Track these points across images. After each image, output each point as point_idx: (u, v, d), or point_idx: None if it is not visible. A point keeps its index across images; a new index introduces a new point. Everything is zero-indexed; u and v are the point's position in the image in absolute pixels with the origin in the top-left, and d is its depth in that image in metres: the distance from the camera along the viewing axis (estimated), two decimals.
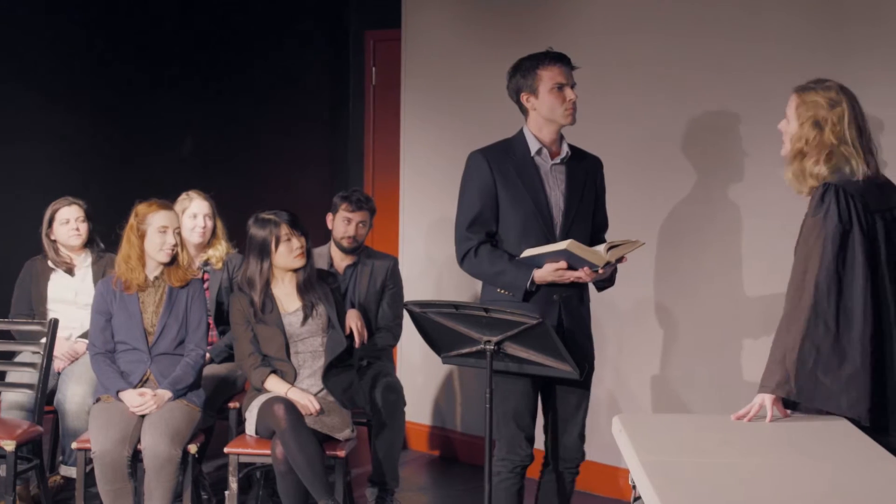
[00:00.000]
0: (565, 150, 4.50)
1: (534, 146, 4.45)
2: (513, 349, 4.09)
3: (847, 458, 3.17)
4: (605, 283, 4.53)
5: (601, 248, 4.28)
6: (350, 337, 5.32)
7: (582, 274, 4.31)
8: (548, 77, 4.40)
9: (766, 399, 3.56)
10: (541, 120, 4.44)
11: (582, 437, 4.58)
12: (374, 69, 7.81)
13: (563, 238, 4.38)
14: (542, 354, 4.07)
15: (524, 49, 4.56)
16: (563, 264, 4.30)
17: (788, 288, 3.66)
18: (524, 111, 4.49)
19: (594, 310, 4.61)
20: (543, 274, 4.32)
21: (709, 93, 5.54)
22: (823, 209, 3.62)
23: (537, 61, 4.43)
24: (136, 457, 4.93)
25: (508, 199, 4.41)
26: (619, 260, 4.38)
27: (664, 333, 5.79)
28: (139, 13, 7.47)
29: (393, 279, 5.85)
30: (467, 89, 6.58)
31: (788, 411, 3.61)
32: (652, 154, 5.76)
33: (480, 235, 4.43)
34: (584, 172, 4.53)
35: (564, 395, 4.51)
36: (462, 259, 4.47)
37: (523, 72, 4.44)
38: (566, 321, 4.42)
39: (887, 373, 3.66)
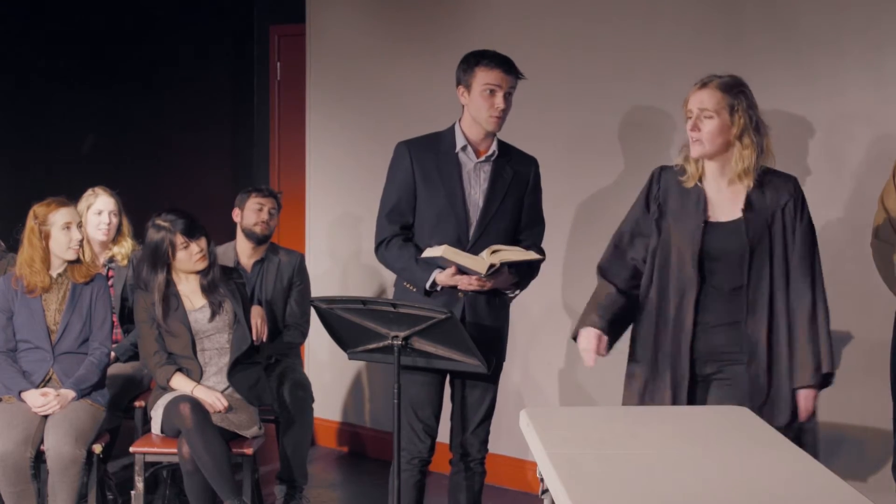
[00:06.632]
0: (493, 148, 4.45)
1: (460, 142, 4.42)
2: (420, 344, 4.09)
3: (748, 446, 3.23)
4: (516, 287, 4.47)
5: (484, 253, 4.24)
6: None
7: (474, 281, 4.29)
8: (482, 77, 4.34)
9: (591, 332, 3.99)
10: (470, 117, 4.41)
11: (485, 432, 4.56)
12: (278, 65, 7.76)
13: (477, 236, 4.38)
14: (450, 349, 4.08)
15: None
16: (453, 269, 4.27)
17: None
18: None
19: None
20: (444, 278, 4.31)
21: (615, 84, 5.61)
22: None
23: (478, 58, 4.37)
24: (39, 458, 4.87)
25: (424, 193, 4.41)
26: (510, 266, 4.32)
27: (570, 327, 5.83)
28: (36, 5, 7.34)
29: (300, 275, 5.83)
30: (373, 85, 6.57)
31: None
32: (558, 152, 5.80)
33: (395, 227, 4.44)
34: (513, 172, 4.46)
35: (469, 389, 4.51)
36: (377, 248, 4.50)
37: (465, 66, 4.40)
38: (470, 316, 4.39)
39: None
